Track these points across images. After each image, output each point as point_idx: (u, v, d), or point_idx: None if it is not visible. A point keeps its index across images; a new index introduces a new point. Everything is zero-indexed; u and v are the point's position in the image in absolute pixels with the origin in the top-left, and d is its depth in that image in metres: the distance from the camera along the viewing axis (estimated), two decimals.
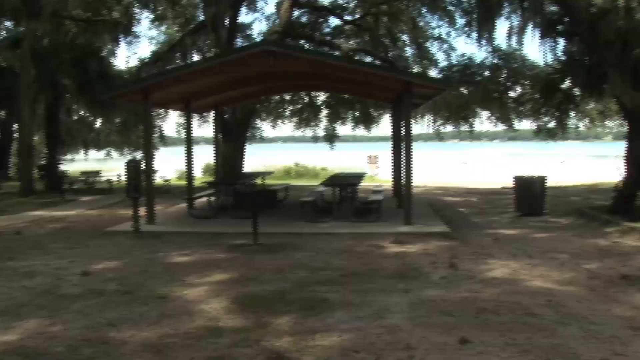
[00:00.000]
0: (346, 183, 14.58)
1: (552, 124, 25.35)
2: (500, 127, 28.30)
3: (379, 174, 33.91)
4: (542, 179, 14.65)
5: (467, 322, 5.90)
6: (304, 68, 14.12)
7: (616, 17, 13.40)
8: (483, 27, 17.19)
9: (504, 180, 22.63)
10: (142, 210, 12.73)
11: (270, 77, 15.48)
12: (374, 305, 6.57)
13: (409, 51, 28.06)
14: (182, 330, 5.79)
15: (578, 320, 5.91)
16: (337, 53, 23.11)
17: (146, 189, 13.15)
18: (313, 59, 13.38)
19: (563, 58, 14.94)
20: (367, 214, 13.31)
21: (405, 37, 27.80)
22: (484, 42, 21.03)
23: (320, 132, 31.26)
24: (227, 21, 22.52)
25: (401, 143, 15.48)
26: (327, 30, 26.63)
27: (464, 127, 28.18)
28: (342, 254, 9.75)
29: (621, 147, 13.63)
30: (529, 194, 14.50)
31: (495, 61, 25.04)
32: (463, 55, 27.09)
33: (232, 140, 22.57)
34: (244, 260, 9.34)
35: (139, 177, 12.29)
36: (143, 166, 13.19)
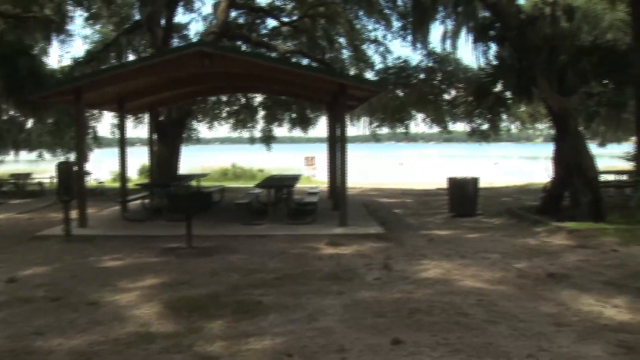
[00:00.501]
0: (281, 185, 14.56)
1: (485, 126, 26.02)
2: (436, 128, 28.81)
3: (316, 175, 34.08)
4: (474, 180, 14.97)
5: (400, 323, 5.97)
6: (239, 69, 14.04)
7: (544, 23, 13.84)
8: (417, 30, 17.47)
9: (438, 181, 23.05)
10: (74, 214, 12.41)
11: (206, 78, 15.33)
12: (308, 308, 6.58)
13: (345, 53, 28.29)
14: (113, 336, 5.67)
15: (507, 319, 6.06)
16: (273, 54, 23.10)
17: (78, 192, 12.82)
18: (248, 60, 13.30)
19: (495, 62, 15.32)
20: (302, 216, 13.34)
21: (342, 40, 27.97)
22: (418, 45, 21.44)
23: (257, 134, 31.16)
24: (163, 21, 22.21)
25: (337, 144, 15.55)
26: (264, 31, 26.58)
27: (400, 129, 28.60)
28: (277, 256, 9.73)
29: (551, 148, 14.04)
30: (462, 195, 14.81)
31: (430, 64, 25.48)
32: (399, 57, 27.50)
33: (167, 141, 22.27)
34: (178, 263, 9.22)
35: (71, 179, 11.97)
36: (75, 168, 12.86)
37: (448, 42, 17.19)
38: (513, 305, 6.58)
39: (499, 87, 15.41)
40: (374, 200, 19.67)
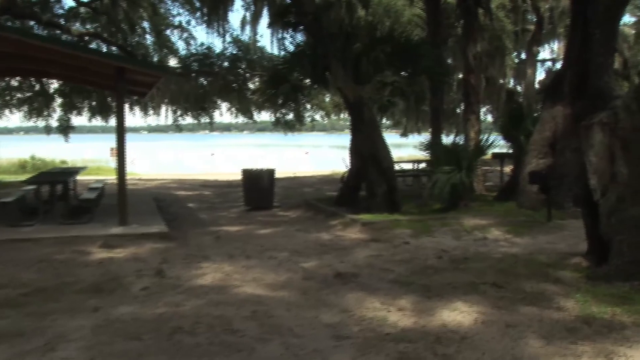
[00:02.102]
0: (54, 180, 12.88)
1: (289, 116, 25.78)
2: (241, 118, 28.20)
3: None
4: (270, 172, 14.39)
5: (155, 348, 4.97)
6: (5, 48, 12.14)
7: (339, 10, 13.47)
8: (213, 14, 16.54)
9: None
10: None
11: None
12: (49, 333, 5.37)
13: (149, 39, 26.68)
14: None
15: (281, 334, 5.29)
16: (67, 37, 21.14)
17: None
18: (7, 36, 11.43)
19: (292, 49, 14.77)
20: (80, 215, 11.85)
21: (146, 24, 26.30)
22: (215, 30, 20.57)
23: (55, 123, 28.48)
24: None
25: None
26: (60, 12, 24.15)
27: (204, 119, 27.62)
28: (37, 264, 8.27)
29: None
30: (258, 188, 14.16)
31: (235, 52, 24.76)
32: (202, 44, 26.48)
33: None
34: None
35: None
36: None
37: (247, 28, 16.52)
38: (291, 315, 5.83)
39: (297, 75, 14.80)
40: (171, 193, 18.48)
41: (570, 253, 7.99)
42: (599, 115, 7.01)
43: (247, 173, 14.41)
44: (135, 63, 13.68)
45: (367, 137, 12.55)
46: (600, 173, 6.86)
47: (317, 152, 62.34)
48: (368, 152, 12.48)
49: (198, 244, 9.77)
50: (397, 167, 15.51)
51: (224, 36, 22.73)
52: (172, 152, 66.52)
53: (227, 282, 7.13)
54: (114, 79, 12.04)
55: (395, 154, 15.07)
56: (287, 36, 16.28)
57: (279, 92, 14.19)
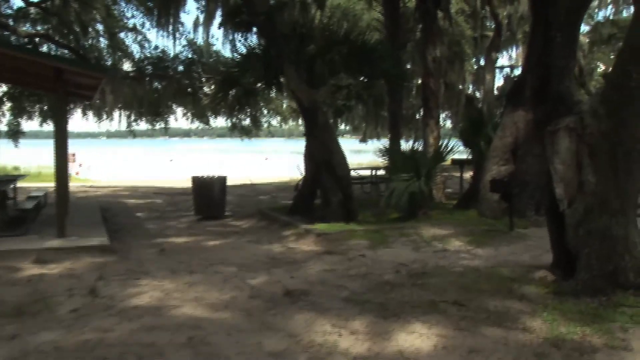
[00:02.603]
0: None
1: (246, 122, 25.16)
2: (196, 123, 27.44)
3: (79, 173, 31.69)
4: (222, 180, 13.74)
5: None
6: None
7: (293, 11, 12.92)
8: (163, 15, 15.83)
9: None
10: None
11: None
12: None
13: (103, 41, 25.75)
14: None
15: None
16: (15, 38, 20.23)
17: None
18: None
19: (244, 51, 14.14)
20: (17, 226, 11.05)
21: (100, 26, 25.38)
22: (170, 31, 19.85)
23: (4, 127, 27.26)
24: None
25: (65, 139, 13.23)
26: (8, 12, 23.11)
27: (159, 124, 26.78)
28: None
29: None
30: (208, 196, 13.50)
31: (190, 55, 24.07)
32: (156, 47, 25.75)
33: None
34: None
35: None
36: None
37: (200, 30, 15.88)
38: (232, 342, 5.23)
39: (249, 78, 14.18)
40: (120, 201, 17.65)
41: (535, 265, 7.55)
42: (564, 120, 6.58)
43: (197, 181, 13.73)
44: (72, 63, 12.85)
45: (321, 143, 12.01)
46: (566, 182, 6.43)
47: (277, 158, 61.73)
48: (322, 158, 11.93)
49: (140, 258, 9.07)
50: (354, 173, 15.02)
51: (175, 37, 21.93)
52: (130, 157, 65.30)
53: (165, 302, 6.48)
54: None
55: (355, 160, 14.59)
56: (240, 37, 15.73)
57: (231, 95, 13.55)
